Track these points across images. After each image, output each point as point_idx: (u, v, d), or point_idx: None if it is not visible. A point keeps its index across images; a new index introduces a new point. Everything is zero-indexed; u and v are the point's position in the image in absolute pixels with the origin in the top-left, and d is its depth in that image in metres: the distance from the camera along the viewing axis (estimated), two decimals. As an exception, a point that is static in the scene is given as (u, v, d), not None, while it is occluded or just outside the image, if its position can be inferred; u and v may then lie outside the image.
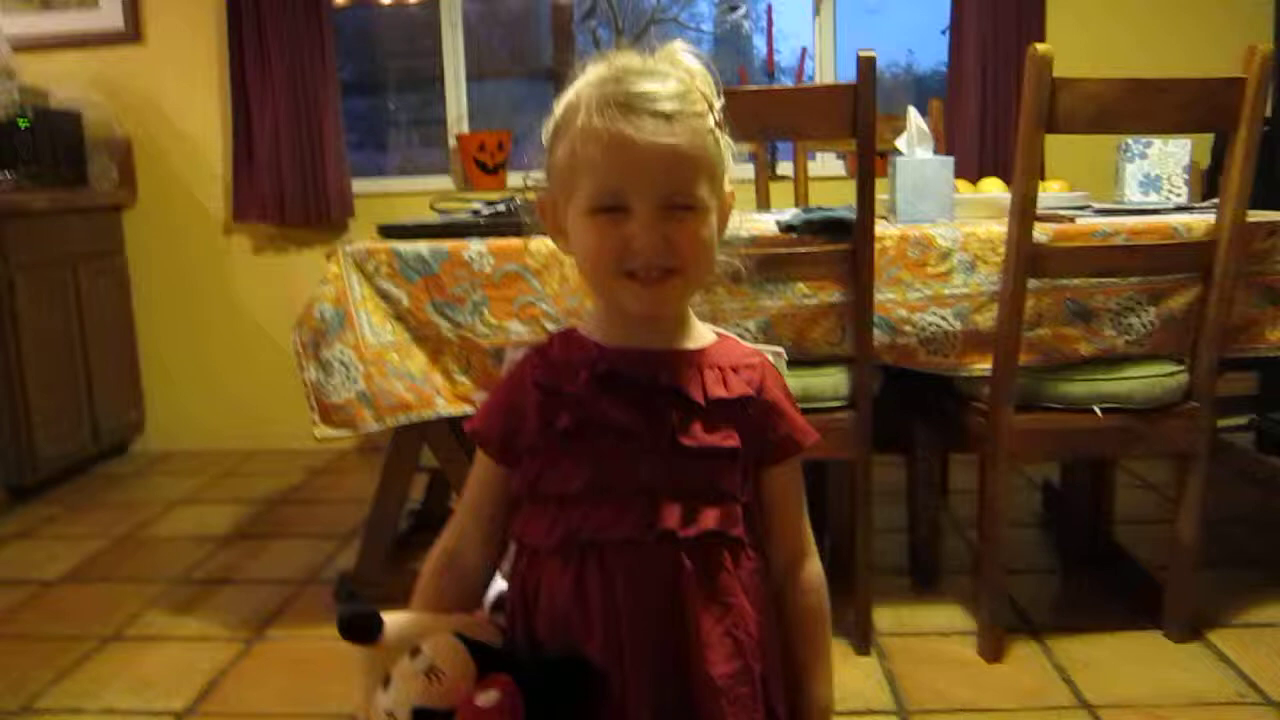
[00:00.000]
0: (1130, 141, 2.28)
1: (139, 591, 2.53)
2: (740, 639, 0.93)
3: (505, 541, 1.03)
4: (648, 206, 0.87)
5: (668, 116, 0.86)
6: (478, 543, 1.02)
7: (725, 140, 0.94)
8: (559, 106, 0.93)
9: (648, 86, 0.87)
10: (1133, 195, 2.30)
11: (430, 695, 0.87)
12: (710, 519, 0.91)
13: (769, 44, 3.79)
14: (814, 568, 1.03)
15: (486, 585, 1.05)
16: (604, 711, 0.91)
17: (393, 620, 0.91)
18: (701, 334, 0.99)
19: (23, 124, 3.37)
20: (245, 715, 1.93)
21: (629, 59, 0.91)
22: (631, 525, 0.90)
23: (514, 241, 2.05)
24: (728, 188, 0.95)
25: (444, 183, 3.85)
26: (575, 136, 0.89)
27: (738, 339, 1.02)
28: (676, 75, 0.90)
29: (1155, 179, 2.27)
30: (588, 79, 0.91)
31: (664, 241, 0.88)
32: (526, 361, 0.99)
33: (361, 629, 0.89)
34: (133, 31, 3.76)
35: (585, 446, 0.92)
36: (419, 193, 3.61)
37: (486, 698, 0.86)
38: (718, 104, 0.92)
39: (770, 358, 1.02)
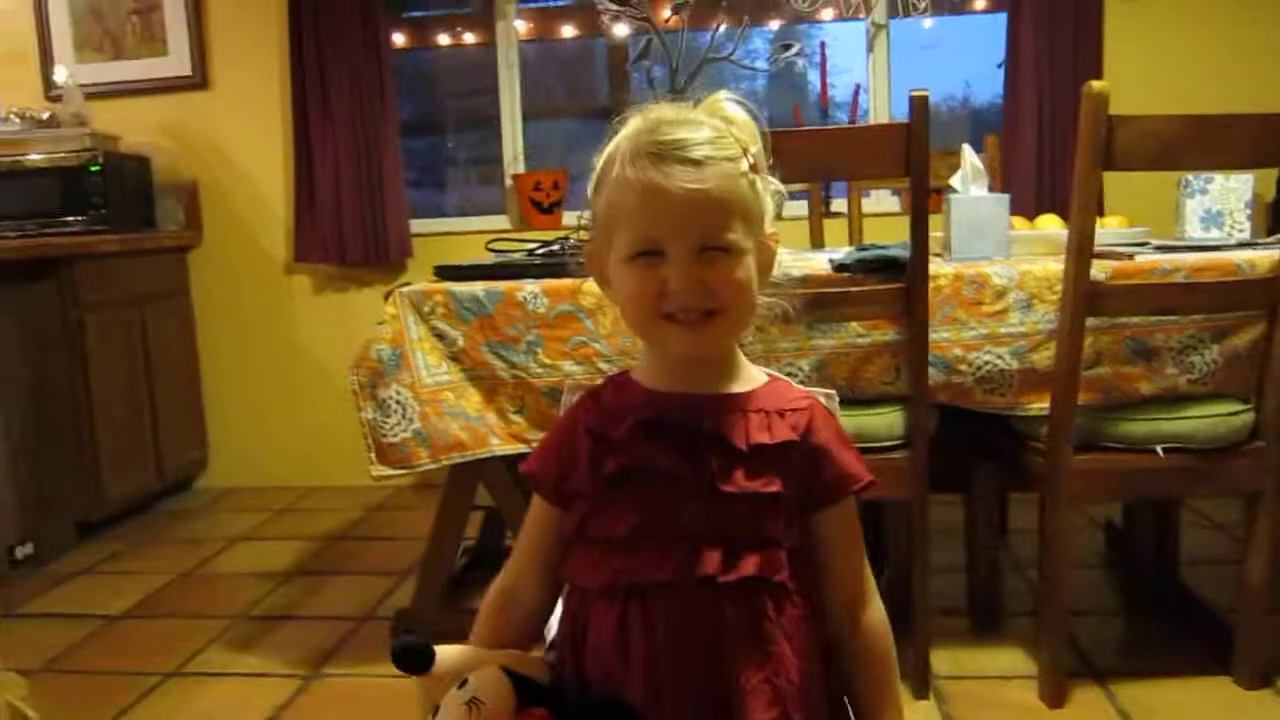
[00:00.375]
0: (1191, 177, 2.25)
1: (200, 627, 2.56)
2: (780, 686, 0.93)
3: (561, 581, 1.04)
4: (682, 251, 0.90)
5: (697, 163, 0.89)
6: (533, 583, 1.04)
7: (766, 184, 0.96)
8: (599, 159, 0.97)
9: (678, 135, 0.90)
10: (1194, 231, 2.26)
11: None
12: (750, 565, 0.92)
13: (823, 80, 3.80)
14: (875, 612, 1.02)
15: (543, 624, 1.06)
16: None
17: (444, 653, 0.95)
18: (751, 376, 1.00)
19: (94, 169, 3.47)
20: (302, 753, 1.95)
21: (663, 110, 0.95)
22: (673, 570, 0.92)
23: (568, 282, 2.07)
24: (769, 229, 0.97)
25: (501, 222, 3.90)
26: (612, 187, 0.93)
27: (789, 381, 1.02)
28: (710, 124, 0.93)
29: (1217, 214, 2.24)
30: (625, 131, 0.94)
31: (700, 284, 0.90)
32: (580, 405, 1.02)
33: (413, 660, 0.93)
34: (200, 78, 3.87)
35: (631, 492, 0.94)
36: (476, 232, 3.67)
37: None
38: (753, 148, 0.94)
39: (822, 399, 1.02)
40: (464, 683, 0.92)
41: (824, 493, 0.97)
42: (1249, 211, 2.22)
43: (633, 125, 0.94)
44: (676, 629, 0.92)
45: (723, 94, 0.97)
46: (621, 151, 0.93)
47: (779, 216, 1.00)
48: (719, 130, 0.93)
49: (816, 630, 0.99)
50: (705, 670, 0.92)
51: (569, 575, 1.00)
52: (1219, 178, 2.22)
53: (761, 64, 3.96)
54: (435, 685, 0.94)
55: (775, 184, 1.01)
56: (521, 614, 1.04)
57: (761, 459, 0.94)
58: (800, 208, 3.24)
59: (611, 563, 0.94)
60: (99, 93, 3.80)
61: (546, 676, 1.00)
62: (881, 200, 3.74)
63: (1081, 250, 1.83)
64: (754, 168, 0.94)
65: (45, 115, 3.62)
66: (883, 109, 3.77)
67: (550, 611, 1.06)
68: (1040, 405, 1.98)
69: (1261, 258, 1.96)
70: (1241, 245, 2.17)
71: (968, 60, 4.05)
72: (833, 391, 1.07)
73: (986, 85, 4.06)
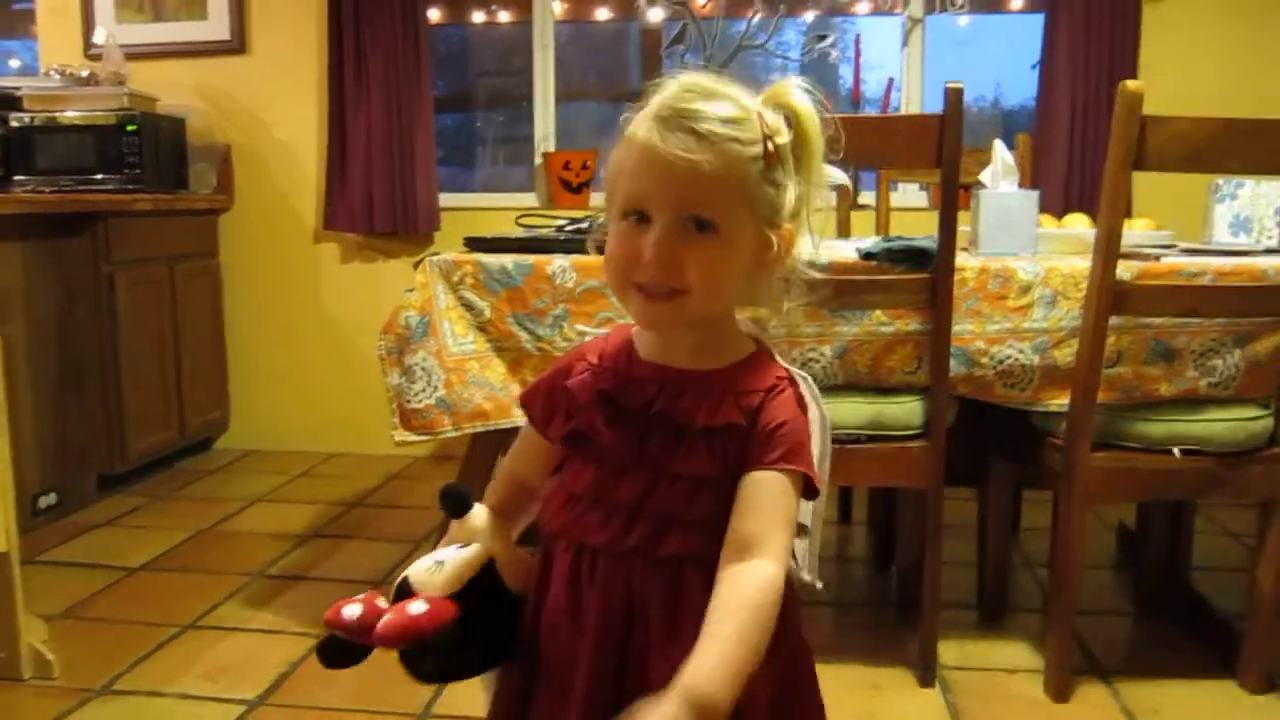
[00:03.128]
0: (1221, 182, 2.26)
1: (217, 583, 2.61)
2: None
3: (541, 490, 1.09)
4: (664, 218, 0.90)
5: (700, 135, 0.88)
6: (535, 475, 1.09)
7: (790, 180, 0.94)
8: (632, 116, 0.96)
9: (693, 105, 0.90)
10: (1222, 236, 2.26)
11: (419, 578, 0.99)
12: (677, 542, 0.94)
13: (856, 74, 3.80)
14: (756, 566, 0.91)
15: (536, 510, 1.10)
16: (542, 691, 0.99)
17: (479, 512, 1.03)
18: (737, 347, 0.99)
19: (130, 129, 3.51)
20: (314, 708, 1.98)
21: (696, 79, 0.93)
22: (608, 536, 0.95)
23: (597, 258, 2.08)
24: (785, 226, 0.95)
25: (529, 200, 3.92)
26: (622, 145, 0.94)
27: (774, 356, 1.01)
28: (738, 103, 0.91)
29: (1246, 220, 2.24)
30: (659, 93, 0.93)
31: (673, 259, 0.90)
32: (579, 352, 1.05)
33: (453, 503, 1.02)
34: (238, 43, 3.91)
35: (589, 455, 0.99)
36: (504, 208, 3.69)
37: (415, 605, 0.94)
38: (781, 138, 0.92)
39: (800, 382, 1.01)
40: (463, 546, 1.01)
41: (748, 459, 0.94)
42: (1279, 218, 2.22)
43: (666, 87, 0.93)
44: (607, 590, 0.95)
45: (794, 79, 0.95)
46: (644, 112, 0.93)
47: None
48: (744, 111, 0.91)
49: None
50: (625, 631, 0.95)
51: (541, 512, 1.05)
52: (1250, 184, 2.23)
53: (795, 54, 3.97)
54: (459, 532, 1.02)
55: (840, 178, 1.03)
56: (527, 498, 1.09)
57: (706, 440, 0.94)
58: (828, 198, 3.25)
59: (570, 512, 0.99)
60: (137, 53, 3.83)
61: (519, 585, 1.04)
62: (909, 194, 3.74)
63: (1108, 248, 1.84)
64: (771, 157, 0.91)
65: (85, 73, 3.66)
66: (915, 104, 3.77)
67: (532, 511, 1.10)
68: (1060, 402, 2.00)
69: (1288, 265, 1.96)
70: (1269, 252, 2.17)
71: (1001, 60, 4.04)
72: (807, 376, 1.05)
73: (1018, 88, 4.06)
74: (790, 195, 0.94)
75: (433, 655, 0.96)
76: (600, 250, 0.99)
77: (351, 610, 0.95)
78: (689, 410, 0.94)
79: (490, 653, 1.02)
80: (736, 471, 0.93)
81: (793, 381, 0.99)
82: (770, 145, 0.91)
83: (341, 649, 0.97)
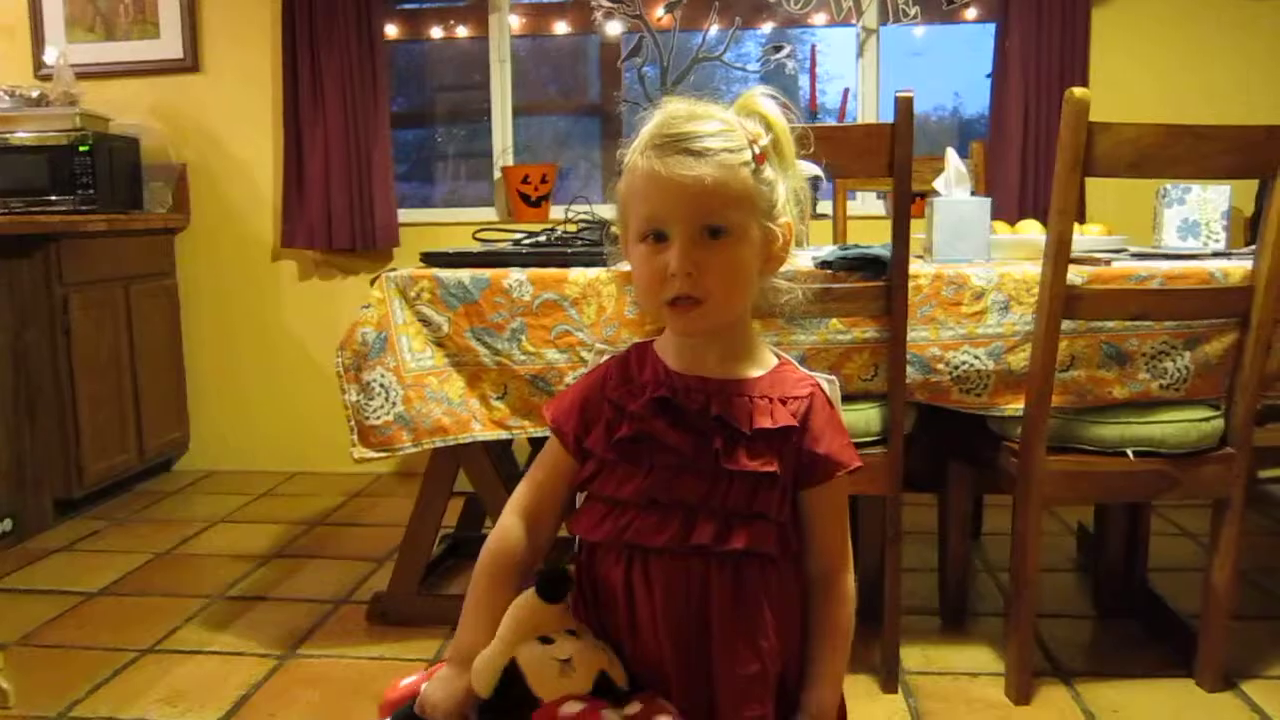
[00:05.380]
0: (1169, 186, 2.29)
1: (177, 606, 2.57)
2: (761, 645, 1.03)
3: (558, 527, 1.13)
4: (683, 232, 0.98)
5: (697, 154, 0.98)
6: (542, 516, 1.13)
7: (781, 174, 1.03)
8: (627, 150, 1.05)
9: (683, 128, 0.99)
10: (1171, 240, 2.29)
11: (552, 684, 1.00)
12: (741, 538, 1.01)
13: (812, 84, 3.83)
14: (848, 583, 1.10)
15: (531, 566, 1.13)
16: None
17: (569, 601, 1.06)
18: (763, 359, 1.09)
19: (83, 149, 3.47)
20: (275, 730, 1.96)
21: (678, 105, 1.03)
22: (670, 536, 1.02)
23: (553, 271, 2.09)
24: (782, 219, 1.03)
25: (488, 214, 3.92)
26: (627, 175, 1.03)
27: (797, 365, 1.10)
28: (720, 118, 1.01)
29: (1194, 224, 2.27)
30: (648, 124, 1.03)
31: (695, 266, 0.98)
32: (605, 368, 1.10)
33: (554, 589, 1.04)
34: (192, 61, 3.88)
35: (640, 460, 1.04)
36: (463, 223, 3.68)
37: (569, 708, 0.97)
38: (763, 141, 1.01)
39: (824, 385, 1.09)
40: (549, 640, 1.02)
41: (813, 473, 1.05)
42: (1225, 222, 2.26)
43: (653, 119, 1.03)
44: (671, 589, 1.02)
45: (759, 89, 1.05)
46: (638, 143, 1.02)
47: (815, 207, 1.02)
48: (726, 124, 1.00)
49: (800, 593, 1.08)
50: (694, 627, 1.02)
51: (574, 529, 1.09)
52: (1197, 188, 2.26)
53: (752, 66, 3.99)
54: (547, 616, 1.03)
55: (812, 170, 1.11)
56: (526, 549, 1.12)
57: (762, 442, 1.02)
58: (806, 188, 3.26)
59: (616, 520, 1.04)
60: (90, 73, 3.80)
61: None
62: (868, 202, 3.77)
63: (1059, 253, 1.86)
64: (759, 158, 1.00)
65: (35, 93, 3.61)
66: (871, 115, 3.79)
67: (544, 551, 1.14)
68: (1015, 406, 2.02)
69: (1235, 268, 1.99)
70: (1216, 255, 2.21)
71: (958, 71, 4.08)
72: (834, 378, 1.13)
73: (977, 97, 4.10)
74: (780, 189, 1.04)
75: None
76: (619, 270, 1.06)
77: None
78: (743, 414, 1.03)
79: None
80: (791, 469, 1.04)
81: (818, 385, 1.09)
82: (755, 148, 1.01)
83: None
